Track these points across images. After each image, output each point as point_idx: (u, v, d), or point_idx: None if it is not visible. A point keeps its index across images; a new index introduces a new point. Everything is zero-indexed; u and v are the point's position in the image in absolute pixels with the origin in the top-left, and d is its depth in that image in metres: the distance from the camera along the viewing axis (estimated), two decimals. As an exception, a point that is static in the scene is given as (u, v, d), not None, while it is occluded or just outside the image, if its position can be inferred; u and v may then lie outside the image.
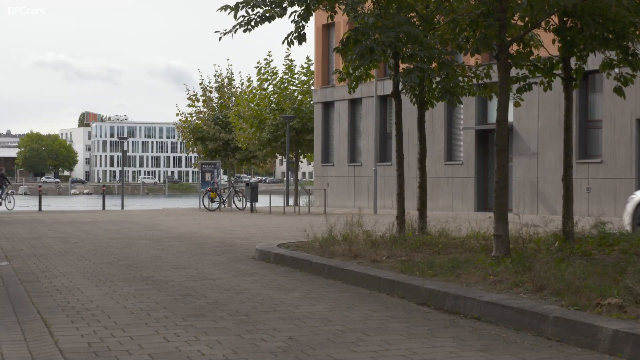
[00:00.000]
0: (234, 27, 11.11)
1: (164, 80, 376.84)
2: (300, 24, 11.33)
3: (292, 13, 11.31)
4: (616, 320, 5.93)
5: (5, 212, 31.76)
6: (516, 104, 12.10)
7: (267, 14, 11.00)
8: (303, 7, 11.26)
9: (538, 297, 7.11)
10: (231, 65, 53.61)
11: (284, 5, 11.09)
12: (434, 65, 12.14)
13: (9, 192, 34.35)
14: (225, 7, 10.98)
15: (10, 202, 34.07)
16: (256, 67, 37.99)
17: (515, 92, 11.90)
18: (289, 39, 11.34)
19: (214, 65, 72.45)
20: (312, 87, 38.08)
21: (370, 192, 32.59)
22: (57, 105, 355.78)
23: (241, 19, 11.03)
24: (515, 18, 11.31)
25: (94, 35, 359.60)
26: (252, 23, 11.04)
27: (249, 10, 11.01)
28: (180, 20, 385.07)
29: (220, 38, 11.34)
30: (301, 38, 11.29)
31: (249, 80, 39.94)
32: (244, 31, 11.10)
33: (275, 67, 38.01)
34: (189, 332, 6.53)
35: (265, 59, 37.97)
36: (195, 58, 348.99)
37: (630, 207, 14.91)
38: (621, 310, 6.25)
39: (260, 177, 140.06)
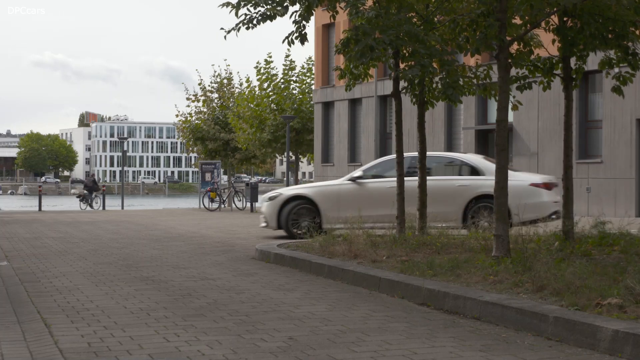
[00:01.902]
0: (237, 24, 11.13)
1: (163, 80, 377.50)
2: (302, 24, 11.33)
3: (293, 13, 11.31)
4: (616, 320, 5.93)
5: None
6: (514, 108, 12.07)
7: (269, 13, 11.00)
8: (304, 7, 11.26)
9: (538, 297, 7.11)
10: (229, 65, 53.55)
11: (285, 4, 11.10)
12: (434, 63, 12.13)
13: (98, 194, 39.60)
14: (227, 4, 10.98)
15: (97, 203, 38.83)
16: (256, 68, 38.01)
17: (516, 89, 11.91)
18: (290, 38, 11.34)
19: (212, 65, 72.56)
20: (312, 87, 38.08)
21: (370, 192, 32.55)
22: (56, 105, 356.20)
23: (243, 16, 11.05)
24: (516, 17, 11.30)
25: (93, 35, 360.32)
26: (254, 21, 11.06)
27: (251, 9, 11.02)
28: (179, 20, 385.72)
29: (225, 36, 11.34)
30: (303, 38, 11.29)
31: (247, 80, 39.96)
32: (247, 29, 11.12)
33: (275, 67, 38.04)
34: (189, 332, 6.53)
35: (266, 60, 37.99)
36: (194, 58, 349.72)
37: (274, 205, 16.26)
38: (621, 310, 6.25)
39: (260, 177, 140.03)
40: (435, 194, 15.38)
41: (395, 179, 14.54)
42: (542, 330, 6.31)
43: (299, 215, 16.09)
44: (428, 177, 15.41)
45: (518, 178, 15.97)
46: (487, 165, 16.18)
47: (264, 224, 16.63)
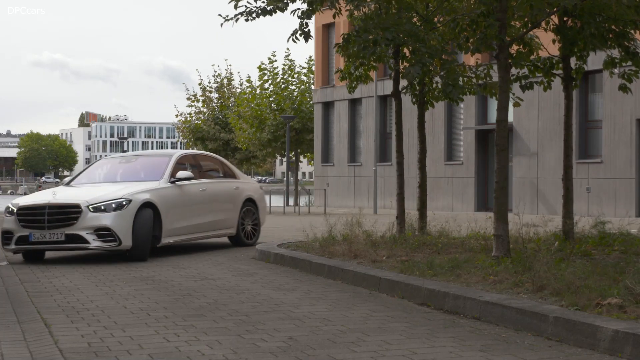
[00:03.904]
0: (235, 15, 11.15)
1: (162, 80, 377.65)
2: (304, 22, 11.38)
3: (294, 11, 11.34)
4: (616, 320, 5.92)
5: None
6: (516, 104, 12.10)
7: (268, 8, 11.04)
8: (306, 4, 11.32)
9: (538, 297, 7.11)
10: (230, 65, 53.66)
11: (285, 0, 11.13)
12: (435, 62, 12.16)
13: None
14: None
15: None
16: (259, 67, 38.00)
17: (520, 87, 11.93)
18: (295, 36, 11.39)
19: (213, 65, 72.78)
20: (312, 87, 38.10)
21: (370, 192, 32.59)
22: (55, 105, 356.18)
23: (243, 7, 11.09)
24: (516, 17, 11.31)
25: (91, 34, 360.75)
26: (254, 14, 11.09)
27: (251, 1, 11.06)
28: (178, 20, 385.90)
29: (221, 24, 11.36)
30: (307, 35, 11.34)
31: (248, 80, 40.02)
32: (246, 20, 11.15)
33: (276, 67, 38.07)
34: (189, 332, 6.53)
35: (269, 59, 38.01)
36: (193, 58, 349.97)
37: (127, 215, 11.78)
38: (621, 310, 6.25)
39: (259, 177, 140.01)
40: (219, 197, 13.97)
41: (205, 180, 13.75)
42: (542, 330, 6.31)
43: None
44: (207, 180, 13.91)
45: (252, 180, 15.79)
46: (235, 167, 15.37)
47: (98, 243, 11.65)
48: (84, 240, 11.63)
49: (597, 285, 7.12)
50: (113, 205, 11.79)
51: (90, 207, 11.70)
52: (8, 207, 12.15)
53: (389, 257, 10.18)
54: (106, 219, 11.68)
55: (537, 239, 11.23)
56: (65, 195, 12.21)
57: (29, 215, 11.82)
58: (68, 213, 11.70)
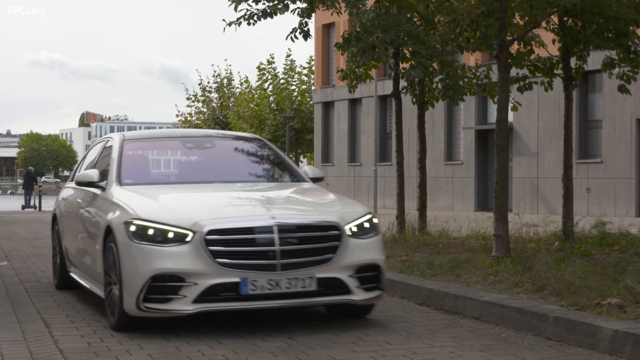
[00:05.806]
0: (238, 19, 11.18)
1: (161, 80, 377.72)
2: (304, 21, 11.41)
3: (293, 10, 11.36)
4: (616, 320, 5.93)
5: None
6: (514, 108, 12.07)
7: (269, 10, 11.07)
8: (305, 4, 11.34)
9: (538, 297, 7.11)
10: (230, 65, 53.67)
11: (286, 2, 11.15)
12: (435, 63, 12.17)
13: None
14: None
15: None
16: (258, 68, 38.01)
17: (517, 90, 11.93)
18: (293, 34, 11.41)
19: (212, 65, 72.86)
20: (312, 87, 38.11)
21: (370, 192, 32.58)
22: (54, 105, 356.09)
23: (244, 11, 11.11)
24: (516, 17, 11.31)
25: (90, 34, 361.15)
26: (255, 17, 11.13)
27: (252, 4, 11.09)
28: (177, 20, 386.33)
29: (224, 29, 11.42)
30: (306, 34, 11.36)
31: (246, 81, 40.04)
32: (248, 24, 11.19)
33: (275, 67, 38.08)
34: (189, 332, 6.53)
35: (268, 60, 38.02)
36: (192, 58, 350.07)
37: None
38: (621, 310, 6.25)
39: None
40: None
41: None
42: (542, 330, 6.31)
43: None
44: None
45: None
46: None
47: (362, 294, 6.68)
48: (345, 289, 6.61)
49: (597, 285, 7.12)
50: (366, 226, 6.92)
51: (347, 227, 6.75)
52: (151, 229, 6.45)
53: (389, 257, 10.17)
54: (373, 251, 6.87)
55: (537, 239, 11.23)
56: (289, 206, 7.33)
57: (238, 245, 6.37)
58: (318, 240, 6.57)
